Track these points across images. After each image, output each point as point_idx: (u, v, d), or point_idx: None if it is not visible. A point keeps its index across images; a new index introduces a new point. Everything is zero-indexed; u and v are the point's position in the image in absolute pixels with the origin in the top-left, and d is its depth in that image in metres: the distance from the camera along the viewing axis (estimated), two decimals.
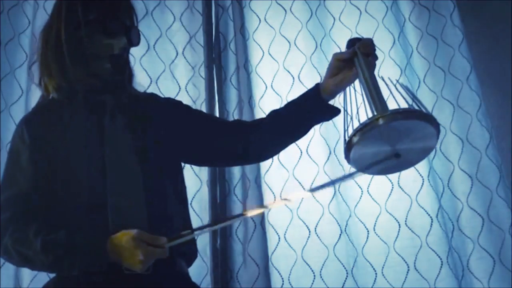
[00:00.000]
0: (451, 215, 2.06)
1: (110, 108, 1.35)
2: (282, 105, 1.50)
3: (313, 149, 2.10)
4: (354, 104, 1.27)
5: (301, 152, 2.10)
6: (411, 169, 2.02)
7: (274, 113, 1.49)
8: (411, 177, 2.05)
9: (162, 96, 2.17)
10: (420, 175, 2.04)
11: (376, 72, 1.29)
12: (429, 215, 1.99)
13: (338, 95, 1.38)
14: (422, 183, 2.03)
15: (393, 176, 2.06)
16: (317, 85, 1.41)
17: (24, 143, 1.32)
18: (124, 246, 1.16)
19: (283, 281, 1.95)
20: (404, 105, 1.19)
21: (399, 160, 1.19)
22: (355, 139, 1.14)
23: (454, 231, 2.03)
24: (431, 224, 1.98)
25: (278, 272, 1.96)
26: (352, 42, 1.36)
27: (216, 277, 2.02)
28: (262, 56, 2.23)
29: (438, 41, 2.26)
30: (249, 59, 2.23)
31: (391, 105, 1.18)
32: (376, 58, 1.33)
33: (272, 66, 2.21)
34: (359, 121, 1.18)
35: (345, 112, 1.27)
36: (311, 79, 2.15)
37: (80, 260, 1.18)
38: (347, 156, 1.18)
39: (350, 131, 1.17)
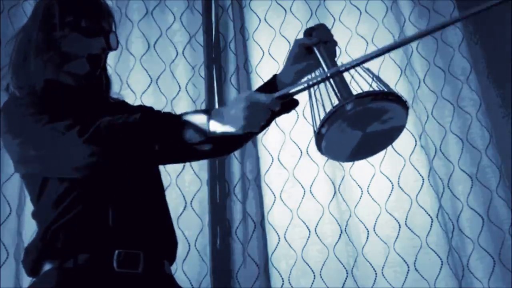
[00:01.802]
0: (451, 215, 2.06)
1: (91, 110, 1.33)
2: None
3: (313, 149, 2.10)
4: (318, 94, 1.24)
5: (301, 152, 2.10)
6: (411, 169, 2.05)
7: None
8: (411, 177, 2.05)
9: (162, 96, 2.17)
10: (420, 175, 2.04)
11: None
12: (429, 215, 1.99)
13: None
14: (422, 183, 2.03)
15: (393, 176, 2.06)
16: (274, 76, 1.39)
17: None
18: (229, 102, 1.13)
19: (283, 281, 1.95)
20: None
21: (372, 143, 1.19)
22: (324, 129, 1.13)
23: (454, 231, 2.03)
24: (431, 224, 1.98)
25: (278, 272, 1.96)
26: (308, 32, 1.34)
27: (216, 277, 2.02)
28: (262, 56, 2.23)
29: (438, 41, 2.26)
30: (249, 59, 2.23)
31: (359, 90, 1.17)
32: (335, 43, 1.31)
33: (272, 65, 2.20)
34: (324, 111, 1.16)
35: (311, 102, 1.23)
36: None
37: (187, 121, 1.12)
38: (319, 147, 1.17)
39: (318, 121, 1.16)
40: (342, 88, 1.16)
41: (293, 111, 2.08)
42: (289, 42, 2.23)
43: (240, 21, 2.29)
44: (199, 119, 1.12)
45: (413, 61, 2.24)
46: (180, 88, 2.19)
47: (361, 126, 1.16)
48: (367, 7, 2.28)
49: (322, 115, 1.15)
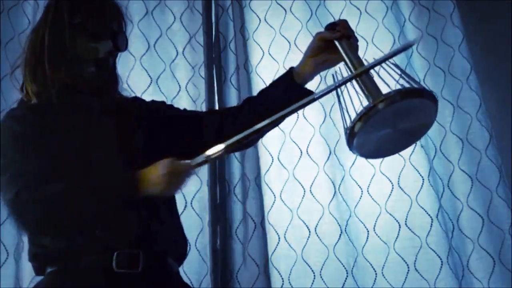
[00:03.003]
0: (451, 215, 2.06)
1: (97, 110, 1.34)
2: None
3: (313, 149, 2.10)
4: (350, 88, 1.25)
5: (301, 152, 2.10)
6: (411, 169, 2.05)
7: (249, 101, 1.47)
8: (411, 177, 2.05)
9: (162, 95, 2.18)
10: (420, 175, 2.04)
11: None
12: (429, 215, 1.99)
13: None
14: (422, 183, 2.03)
15: (393, 176, 2.06)
16: (291, 68, 1.39)
17: (27, 128, 1.29)
18: (150, 168, 1.19)
19: (283, 281, 1.95)
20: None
21: (402, 138, 1.21)
22: (357, 126, 1.13)
23: (454, 231, 2.03)
24: (431, 224, 1.98)
25: (278, 272, 1.96)
26: (330, 27, 1.34)
27: (216, 277, 2.02)
28: (262, 56, 2.23)
29: (438, 41, 2.26)
30: (249, 59, 2.23)
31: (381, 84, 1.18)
32: (357, 39, 1.32)
33: (272, 66, 2.21)
34: (362, 105, 1.16)
35: (339, 99, 1.23)
36: None
37: (113, 188, 1.21)
38: (350, 144, 1.17)
39: (347, 117, 1.16)
40: (372, 84, 1.17)
41: None
42: (289, 42, 2.24)
43: (240, 21, 2.28)
44: (129, 184, 1.20)
45: (413, 61, 2.23)
46: (180, 88, 2.20)
47: (392, 123, 1.17)
48: (367, 7, 2.28)
49: (352, 112, 1.15)
